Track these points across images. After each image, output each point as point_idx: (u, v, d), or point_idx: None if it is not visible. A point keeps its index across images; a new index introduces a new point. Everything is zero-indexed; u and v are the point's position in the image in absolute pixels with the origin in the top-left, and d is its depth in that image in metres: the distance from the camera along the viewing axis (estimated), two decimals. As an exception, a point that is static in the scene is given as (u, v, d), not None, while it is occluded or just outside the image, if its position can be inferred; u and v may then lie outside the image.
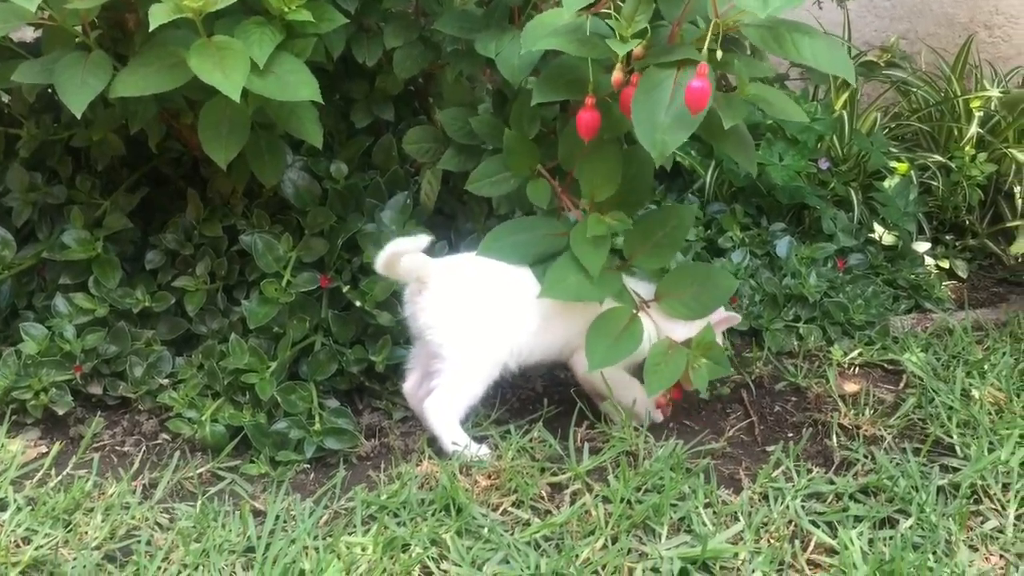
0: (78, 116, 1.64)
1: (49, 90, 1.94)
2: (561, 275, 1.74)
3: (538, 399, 1.95)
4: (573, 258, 1.74)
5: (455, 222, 2.11)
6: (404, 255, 1.72)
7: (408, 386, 1.85)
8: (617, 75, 1.58)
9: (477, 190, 1.87)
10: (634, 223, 1.79)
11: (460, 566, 1.49)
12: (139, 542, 1.53)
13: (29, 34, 1.98)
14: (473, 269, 1.80)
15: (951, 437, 1.83)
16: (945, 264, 2.62)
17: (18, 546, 1.52)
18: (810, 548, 1.56)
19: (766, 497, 1.67)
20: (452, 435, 1.74)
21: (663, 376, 1.73)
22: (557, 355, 1.87)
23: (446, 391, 1.75)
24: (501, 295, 1.78)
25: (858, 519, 1.61)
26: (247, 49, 1.62)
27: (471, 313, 1.77)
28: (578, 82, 1.65)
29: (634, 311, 1.78)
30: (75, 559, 1.49)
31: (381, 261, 1.73)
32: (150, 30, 1.54)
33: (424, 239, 1.75)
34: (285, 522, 1.59)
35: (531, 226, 1.82)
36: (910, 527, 1.58)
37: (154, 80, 1.65)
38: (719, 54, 1.50)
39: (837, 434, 1.86)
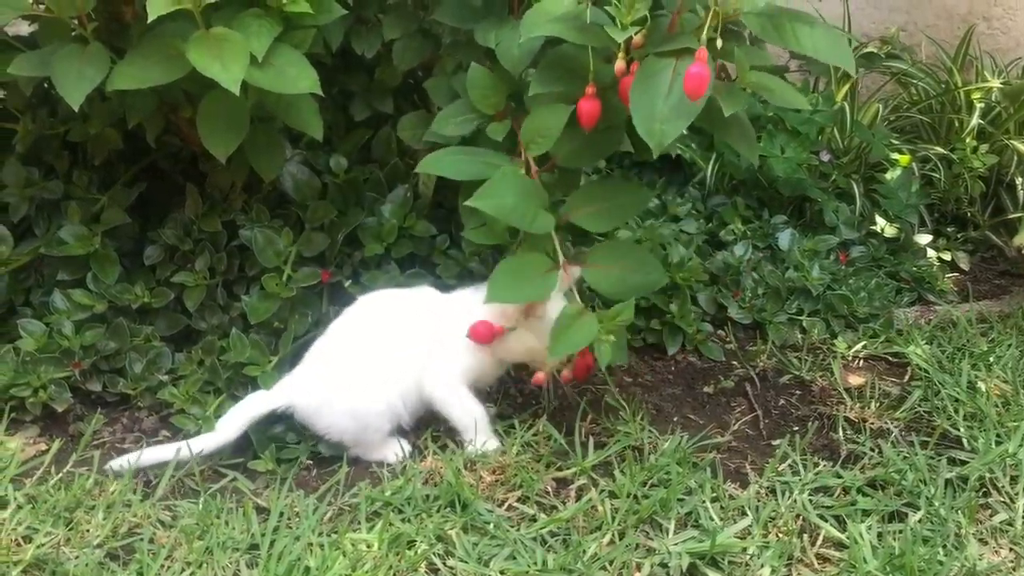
0: (76, 109, 1.61)
1: (45, 84, 1.92)
2: (499, 191, 1.63)
3: (542, 393, 1.93)
4: (514, 176, 1.66)
5: (455, 216, 2.09)
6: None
7: None
8: (619, 64, 1.56)
9: (440, 129, 1.79)
10: (581, 188, 1.73)
11: (466, 562, 1.47)
12: (142, 540, 1.51)
13: (24, 28, 1.95)
14: (318, 367, 1.75)
15: (958, 430, 1.82)
16: (947, 256, 2.61)
17: (19, 544, 1.50)
18: (819, 542, 1.55)
19: (773, 491, 1.65)
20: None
21: (568, 342, 1.61)
22: None
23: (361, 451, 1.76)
24: (357, 369, 1.73)
25: (866, 513, 1.60)
26: (246, 41, 1.60)
27: (334, 408, 1.72)
28: (577, 72, 1.62)
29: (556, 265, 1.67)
30: (77, 557, 1.48)
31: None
32: (148, 22, 1.52)
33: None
34: (289, 519, 1.57)
35: (474, 152, 1.75)
36: (919, 520, 1.58)
37: (152, 73, 1.63)
38: (719, 43, 1.48)
39: (843, 427, 1.85)
